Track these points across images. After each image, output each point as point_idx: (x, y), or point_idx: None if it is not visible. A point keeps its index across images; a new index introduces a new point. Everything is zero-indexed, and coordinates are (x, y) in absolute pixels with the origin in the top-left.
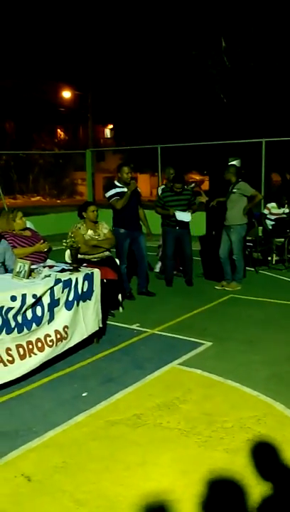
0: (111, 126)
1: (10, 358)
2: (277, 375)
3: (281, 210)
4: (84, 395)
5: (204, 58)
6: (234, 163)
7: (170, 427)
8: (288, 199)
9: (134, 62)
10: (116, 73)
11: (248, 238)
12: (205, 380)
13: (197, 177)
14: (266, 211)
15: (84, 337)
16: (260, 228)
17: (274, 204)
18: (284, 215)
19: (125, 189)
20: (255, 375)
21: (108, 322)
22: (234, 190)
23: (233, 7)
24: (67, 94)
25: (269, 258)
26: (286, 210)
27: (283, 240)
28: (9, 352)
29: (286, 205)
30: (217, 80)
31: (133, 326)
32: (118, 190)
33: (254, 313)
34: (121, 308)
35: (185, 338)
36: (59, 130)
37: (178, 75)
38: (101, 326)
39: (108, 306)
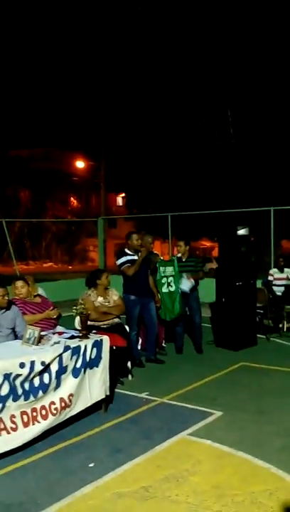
0: (123, 194)
1: (13, 426)
2: None
3: (284, 274)
4: (90, 465)
5: (210, 130)
6: (242, 231)
7: (178, 501)
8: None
9: (145, 133)
10: (128, 144)
11: (258, 305)
12: (214, 452)
13: (208, 243)
14: (270, 278)
15: (89, 405)
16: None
17: (275, 269)
18: None
19: (135, 257)
20: (267, 447)
21: (117, 390)
22: None
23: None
24: (80, 164)
25: (280, 325)
26: None
27: None
28: (13, 419)
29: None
30: (223, 150)
31: (143, 395)
32: (128, 258)
33: (265, 382)
34: (130, 376)
35: (194, 407)
36: (72, 198)
37: (186, 146)
38: (108, 394)
39: (117, 374)
